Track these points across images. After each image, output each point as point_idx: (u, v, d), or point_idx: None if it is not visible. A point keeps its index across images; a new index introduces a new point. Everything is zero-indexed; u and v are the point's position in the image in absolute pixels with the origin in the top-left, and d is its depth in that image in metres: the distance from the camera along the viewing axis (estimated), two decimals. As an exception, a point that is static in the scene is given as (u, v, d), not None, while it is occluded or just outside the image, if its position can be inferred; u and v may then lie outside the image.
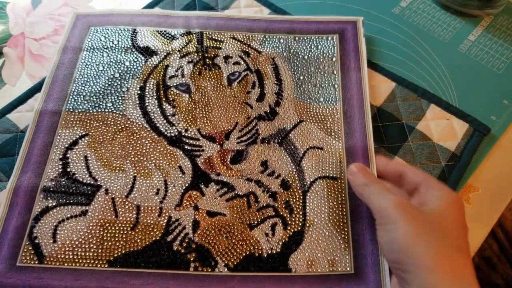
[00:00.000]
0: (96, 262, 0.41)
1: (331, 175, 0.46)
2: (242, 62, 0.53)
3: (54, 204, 0.43)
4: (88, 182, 0.45)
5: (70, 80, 0.51)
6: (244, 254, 0.42)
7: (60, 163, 0.45)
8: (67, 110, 0.49)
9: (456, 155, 0.49)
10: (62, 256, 0.41)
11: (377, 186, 0.40)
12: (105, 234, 0.42)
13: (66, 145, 0.46)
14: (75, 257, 0.41)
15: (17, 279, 0.40)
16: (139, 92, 0.50)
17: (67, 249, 0.41)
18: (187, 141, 0.47)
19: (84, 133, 0.47)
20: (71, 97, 0.49)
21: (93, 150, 0.46)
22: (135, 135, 0.47)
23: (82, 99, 0.49)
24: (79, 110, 0.49)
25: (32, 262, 0.41)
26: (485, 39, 0.59)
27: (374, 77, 0.54)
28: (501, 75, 0.55)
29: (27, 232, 0.42)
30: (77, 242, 0.42)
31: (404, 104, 0.52)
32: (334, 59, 0.54)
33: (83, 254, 0.41)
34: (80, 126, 0.48)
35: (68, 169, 0.45)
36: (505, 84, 0.55)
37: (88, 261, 0.41)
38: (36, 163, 0.45)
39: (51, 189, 0.44)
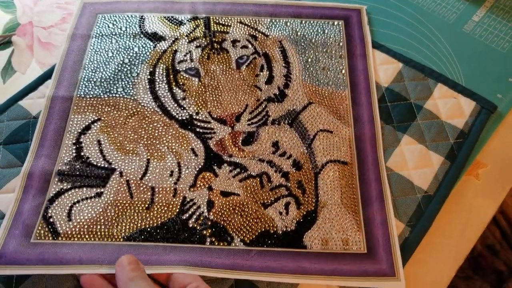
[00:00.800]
0: (112, 239, 0.41)
1: (341, 159, 0.47)
2: (250, 46, 0.53)
3: (69, 186, 0.44)
4: (102, 165, 0.45)
5: (80, 67, 0.51)
6: (259, 231, 0.42)
7: (74, 147, 0.46)
8: (78, 95, 0.49)
9: (464, 132, 0.49)
10: (77, 233, 0.41)
11: (142, 283, 0.35)
12: (120, 214, 0.42)
13: (79, 130, 0.47)
14: (90, 234, 0.41)
15: (30, 254, 0.40)
16: (149, 77, 0.51)
17: (82, 227, 0.42)
18: (199, 124, 0.48)
19: (96, 118, 0.48)
20: (81, 83, 0.50)
21: (105, 135, 0.47)
22: (146, 119, 0.48)
23: (93, 84, 0.50)
24: (90, 96, 0.49)
25: (46, 239, 0.41)
26: (489, 19, 0.59)
27: (381, 58, 0.54)
28: (506, 54, 0.56)
29: (42, 213, 0.42)
30: (92, 221, 0.42)
31: (411, 84, 0.52)
32: (341, 43, 0.54)
33: (98, 232, 0.41)
34: (92, 111, 0.48)
35: (82, 153, 0.46)
36: (510, 63, 0.55)
37: (104, 239, 0.41)
38: (50, 147, 0.46)
39: (66, 172, 0.44)
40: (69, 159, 0.45)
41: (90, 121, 0.47)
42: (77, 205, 0.43)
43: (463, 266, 0.91)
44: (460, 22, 0.59)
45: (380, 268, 0.41)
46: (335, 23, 0.56)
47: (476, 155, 0.49)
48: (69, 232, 0.41)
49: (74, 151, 0.46)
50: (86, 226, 0.42)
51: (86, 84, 0.50)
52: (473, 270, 0.94)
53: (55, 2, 0.58)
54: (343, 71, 0.52)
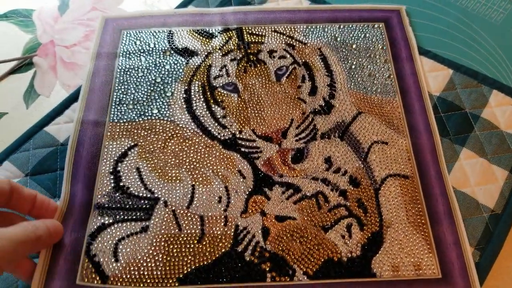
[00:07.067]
0: (166, 281, 0.37)
1: (401, 173, 0.43)
2: (288, 55, 0.50)
3: (110, 221, 0.40)
4: (145, 195, 0.41)
5: (109, 89, 0.47)
6: (322, 260, 0.38)
7: (112, 176, 0.42)
8: (111, 121, 0.45)
9: (528, 141, 0.45)
10: (128, 276, 0.37)
11: None
12: (170, 250, 0.38)
13: (115, 158, 0.43)
14: (141, 277, 0.37)
15: None
16: (184, 95, 0.47)
17: (131, 268, 0.38)
18: (243, 143, 0.44)
19: (132, 143, 0.44)
20: (113, 107, 0.46)
21: (145, 161, 0.43)
22: (187, 141, 0.44)
23: (125, 108, 0.46)
24: (124, 120, 0.45)
25: (94, 282, 0.37)
26: (540, 17, 0.56)
27: (428, 64, 0.51)
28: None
29: (84, 249, 0.38)
30: (141, 261, 0.38)
31: (464, 92, 0.49)
32: (384, 47, 0.51)
33: (150, 273, 0.37)
34: (127, 136, 0.44)
35: (121, 183, 0.42)
36: None
37: (157, 281, 0.37)
38: (86, 176, 0.42)
39: (106, 205, 0.40)
40: (107, 190, 0.41)
41: (126, 148, 0.44)
42: (122, 242, 0.39)
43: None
44: (508, 23, 0.55)
45: None
46: (376, 25, 0.53)
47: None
48: (118, 275, 0.37)
49: (112, 180, 0.42)
50: (136, 268, 0.38)
51: (119, 108, 0.46)
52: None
53: (76, 19, 0.55)
54: (391, 77, 0.49)
